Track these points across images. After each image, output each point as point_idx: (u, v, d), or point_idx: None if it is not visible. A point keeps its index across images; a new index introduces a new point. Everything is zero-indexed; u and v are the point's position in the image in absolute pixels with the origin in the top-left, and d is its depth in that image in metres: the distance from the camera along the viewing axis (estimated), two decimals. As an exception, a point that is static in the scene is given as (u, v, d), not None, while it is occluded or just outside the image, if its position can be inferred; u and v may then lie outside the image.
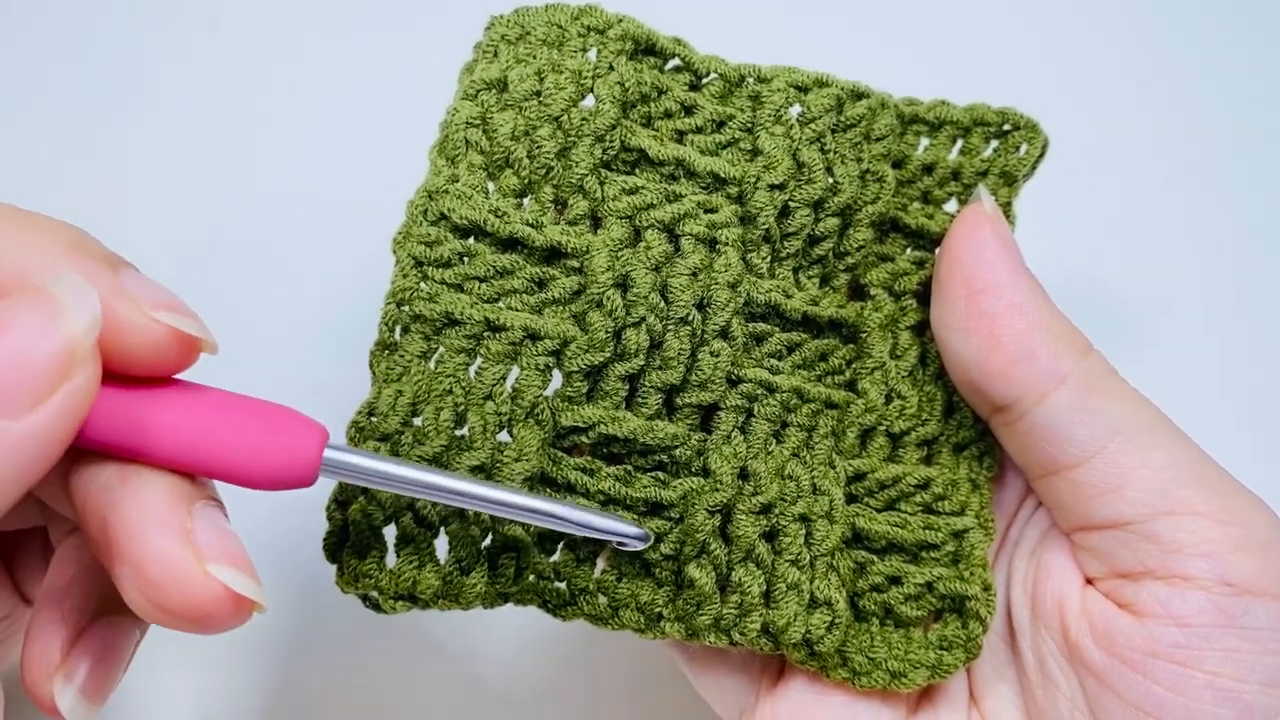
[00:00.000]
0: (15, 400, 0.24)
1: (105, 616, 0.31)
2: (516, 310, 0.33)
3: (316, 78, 0.55)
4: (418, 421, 0.32)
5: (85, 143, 0.54)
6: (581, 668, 0.50)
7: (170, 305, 0.27)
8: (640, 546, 0.33)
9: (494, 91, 0.34)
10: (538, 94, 0.33)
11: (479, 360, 0.33)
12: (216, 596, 0.26)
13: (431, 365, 0.33)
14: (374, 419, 0.32)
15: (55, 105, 0.55)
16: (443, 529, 0.32)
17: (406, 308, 0.33)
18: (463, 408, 0.32)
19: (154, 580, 0.26)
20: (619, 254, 0.33)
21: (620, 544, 0.33)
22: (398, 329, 0.33)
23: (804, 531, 0.34)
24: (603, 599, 0.34)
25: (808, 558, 0.34)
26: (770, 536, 0.34)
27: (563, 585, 0.35)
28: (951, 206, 0.38)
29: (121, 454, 0.27)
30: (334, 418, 0.31)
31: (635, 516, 0.34)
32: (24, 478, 0.24)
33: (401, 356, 0.33)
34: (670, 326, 0.33)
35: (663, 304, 0.33)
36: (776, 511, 0.34)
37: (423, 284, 0.33)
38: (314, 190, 0.53)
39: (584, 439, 0.34)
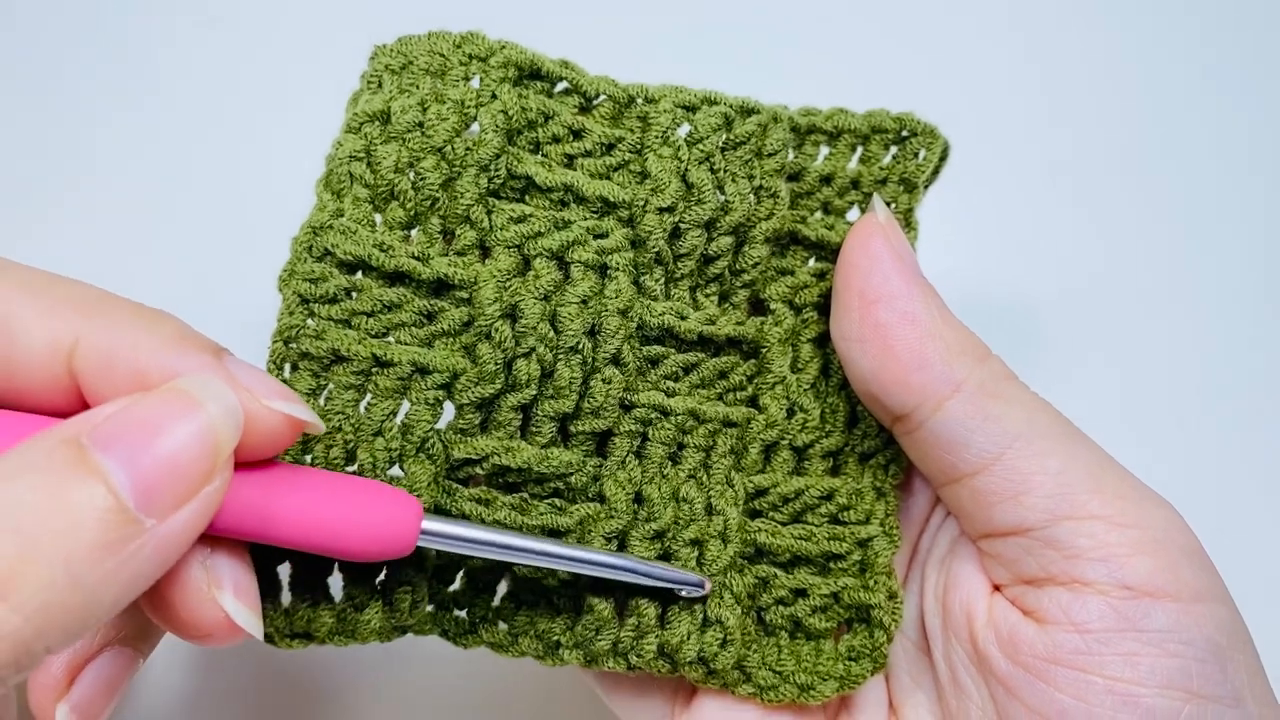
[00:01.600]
0: (163, 503, 0.25)
1: (111, 646, 0.34)
2: (405, 344, 0.33)
3: (307, 85, 0.55)
4: (308, 459, 0.32)
5: (59, 141, 0.54)
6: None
7: (282, 393, 0.29)
8: (701, 593, 0.34)
9: (377, 123, 0.34)
10: (420, 125, 0.33)
11: (368, 396, 0.33)
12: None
13: (321, 403, 0.33)
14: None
15: (48, 105, 0.55)
16: (335, 567, 0.33)
17: (294, 345, 0.33)
18: (352, 444, 0.32)
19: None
20: (507, 284, 0.33)
21: (680, 591, 0.34)
22: (286, 367, 0.33)
23: (696, 554, 0.34)
24: (502, 626, 0.35)
25: None
26: (664, 559, 0.34)
27: (463, 614, 0.35)
28: (854, 215, 0.38)
29: (243, 538, 0.29)
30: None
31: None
32: (157, 573, 0.26)
33: None
34: (561, 355, 0.33)
35: (552, 333, 0.33)
36: (669, 536, 0.34)
37: (309, 321, 0.33)
38: (243, 215, 0.53)
39: (479, 470, 0.34)
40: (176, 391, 0.26)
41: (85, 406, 0.28)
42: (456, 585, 0.35)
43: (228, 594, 0.29)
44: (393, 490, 0.30)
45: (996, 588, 0.35)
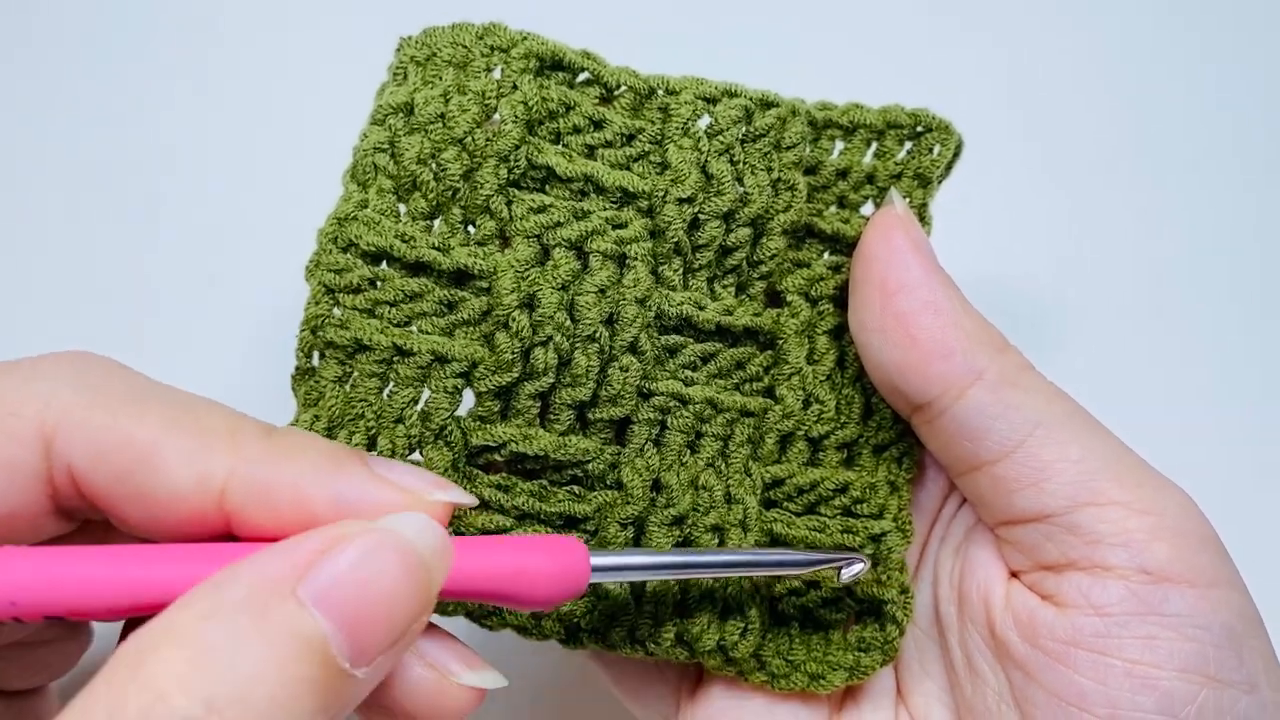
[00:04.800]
0: (375, 652, 0.25)
1: None
2: (427, 333, 0.34)
3: (280, 90, 0.56)
4: None
5: (52, 144, 0.55)
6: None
7: (438, 484, 0.29)
8: (862, 570, 0.35)
9: (401, 115, 0.34)
10: (442, 116, 0.34)
11: (391, 384, 0.33)
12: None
13: (347, 389, 0.33)
14: None
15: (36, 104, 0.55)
16: None
17: (320, 334, 0.33)
18: (374, 431, 0.33)
19: None
20: (526, 274, 0.34)
21: (842, 576, 0.35)
22: (315, 354, 0.34)
23: (717, 541, 0.35)
24: (526, 610, 0.35)
25: None
26: (684, 546, 0.35)
27: None
28: (868, 210, 0.38)
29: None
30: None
31: (552, 530, 0.35)
32: (347, 712, 0.25)
33: (318, 382, 0.33)
34: (578, 344, 0.34)
35: (569, 322, 0.34)
36: (689, 522, 0.35)
37: (335, 310, 0.33)
38: (272, 201, 0.53)
39: (498, 457, 0.34)
40: (388, 535, 0.26)
41: (226, 535, 0.28)
42: None
43: (466, 671, 0.29)
44: (556, 538, 0.31)
45: (1014, 574, 0.35)
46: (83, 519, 0.31)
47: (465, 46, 0.34)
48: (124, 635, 0.34)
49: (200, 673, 0.22)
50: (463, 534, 0.34)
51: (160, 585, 0.26)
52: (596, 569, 0.30)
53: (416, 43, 0.35)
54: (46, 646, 0.36)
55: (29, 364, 0.29)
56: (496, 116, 0.34)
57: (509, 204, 0.34)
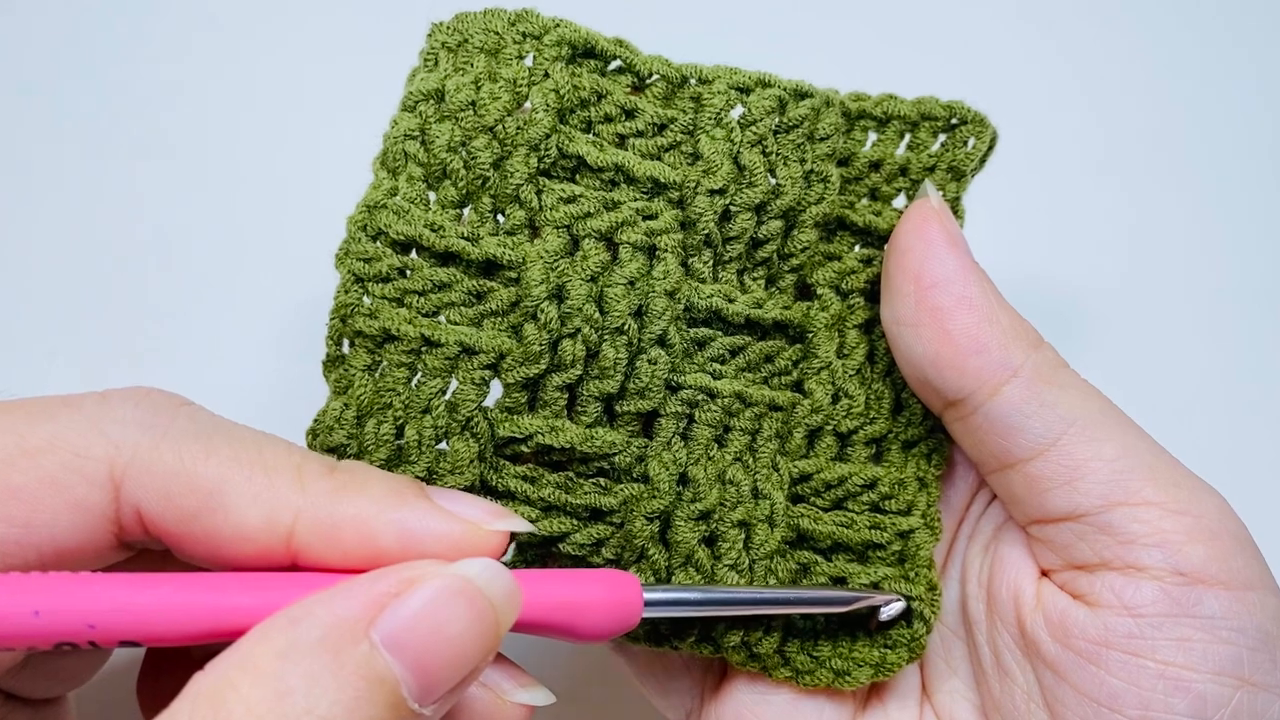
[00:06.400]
0: (443, 692, 0.26)
1: None
2: (455, 323, 0.33)
3: (308, 78, 0.56)
4: (361, 437, 0.33)
5: (60, 139, 0.54)
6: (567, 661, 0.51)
7: (497, 513, 0.30)
8: (898, 611, 0.35)
9: (432, 102, 0.34)
10: (473, 104, 0.33)
11: (419, 374, 0.33)
12: None
13: (375, 378, 0.33)
14: (321, 430, 0.33)
15: (35, 102, 0.55)
16: None
17: (349, 322, 0.33)
18: (401, 420, 0.33)
19: None
20: (555, 265, 0.33)
21: (882, 615, 0.35)
22: (345, 343, 0.33)
23: (743, 536, 0.34)
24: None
25: (746, 562, 0.34)
26: (710, 541, 0.34)
27: None
28: (900, 203, 0.38)
29: None
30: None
31: (577, 522, 0.34)
32: None
33: (348, 370, 0.33)
34: (606, 336, 0.33)
35: (598, 314, 0.33)
36: (715, 517, 0.34)
37: (364, 299, 0.33)
38: (300, 188, 0.53)
39: (524, 448, 0.34)
40: (462, 582, 0.26)
41: (290, 566, 0.28)
42: (509, 556, 0.35)
43: (518, 690, 0.30)
44: (610, 572, 0.31)
45: (1045, 573, 0.35)
46: (142, 547, 0.31)
47: (497, 33, 0.34)
48: (147, 658, 0.35)
49: (279, 713, 0.23)
50: None
51: (234, 613, 0.26)
52: (649, 604, 0.31)
53: (448, 29, 0.35)
54: (67, 656, 0.36)
55: (95, 401, 0.29)
56: (528, 104, 0.34)
57: (539, 193, 0.34)
